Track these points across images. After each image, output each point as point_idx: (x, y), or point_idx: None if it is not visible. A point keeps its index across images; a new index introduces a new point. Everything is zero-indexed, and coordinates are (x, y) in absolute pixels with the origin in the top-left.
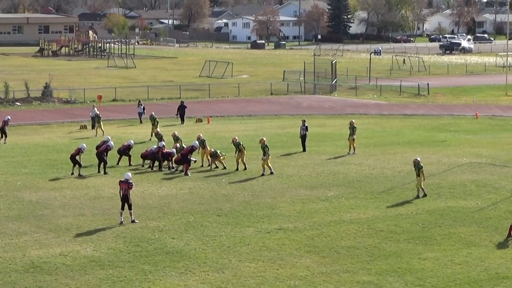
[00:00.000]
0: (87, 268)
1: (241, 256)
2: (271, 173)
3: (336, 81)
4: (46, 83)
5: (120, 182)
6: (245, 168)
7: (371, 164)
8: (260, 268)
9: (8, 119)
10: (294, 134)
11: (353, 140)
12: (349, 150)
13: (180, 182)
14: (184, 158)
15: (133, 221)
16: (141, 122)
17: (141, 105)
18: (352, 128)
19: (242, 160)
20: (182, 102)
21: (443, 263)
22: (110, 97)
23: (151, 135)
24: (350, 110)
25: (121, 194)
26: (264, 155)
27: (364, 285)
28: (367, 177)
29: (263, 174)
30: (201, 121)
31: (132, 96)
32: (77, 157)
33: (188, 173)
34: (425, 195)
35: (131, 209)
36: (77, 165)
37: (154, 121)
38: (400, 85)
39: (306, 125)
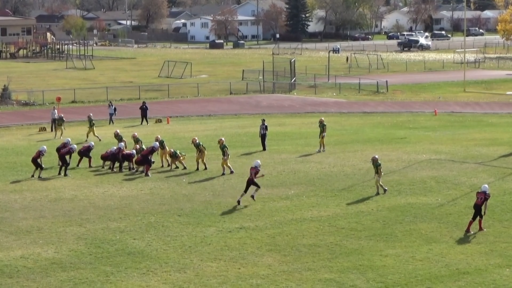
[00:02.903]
0: (49, 270)
1: (203, 256)
2: (231, 172)
3: (295, 80)
4: (5, 85)
5: (251, 167)
6: (206, 168)
7: (331, 162)
8: (222, 267)
9: None
10: (254, 133)
11: (323, 137)
12: (320, 148)
13: (140, 183)
14: (144, 159)
15: (252, 196)
16: (110, 123)
17: (112, 105)
18: (322, 126)
19: (203, 160)
20: (143, 102)
21: (404, 260)
22: (69, 99)
23: (87, 136)
24: (309, 109)
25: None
26: (224, 155)
27: (326, 283)
28: (328, 175)
29: (223, 174)
30: (161, 121)
31: (92, 97)
32: (39, 160)
33: (149, 173)
34: (385, 191)
35: (258, 188)
36: (38, 168)
37: (90, 123)
38: (359, 83)
39: (265, 124)
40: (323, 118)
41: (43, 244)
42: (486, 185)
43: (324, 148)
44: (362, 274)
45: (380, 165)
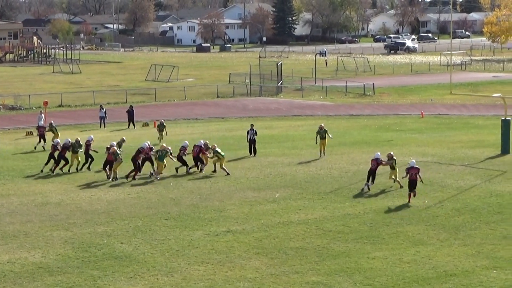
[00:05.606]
0: (36, 275)
1: (190, 259)
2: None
3: (282, 83)
4: None
5: (372, 159)
6: (227, 174)
7: (318, 165)
8: (209, 271)
9: None
10: (241, 136)
11: (324, 144)
12: (321, 154)
13: (127, 187)
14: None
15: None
16: (102, 126)
17: (103, 109)
18: (324, 132)
19: (221, 165)
20: (130, 106)
21: (392, 262)
22: (56, 103)
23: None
24: (296, 112)
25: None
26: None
27: (313, 286)
28: (315, 178)
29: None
30: (148, 125)
31: (78, 101)
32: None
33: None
34: (398, 186)
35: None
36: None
37: (55, 130)
38: (346, 85)
39: (254, 129)
40: (323, 124)
41: (30, 248)
42: (414, 160)
43: (324, 154)
44: (349, 276)
45: (395, 160)
